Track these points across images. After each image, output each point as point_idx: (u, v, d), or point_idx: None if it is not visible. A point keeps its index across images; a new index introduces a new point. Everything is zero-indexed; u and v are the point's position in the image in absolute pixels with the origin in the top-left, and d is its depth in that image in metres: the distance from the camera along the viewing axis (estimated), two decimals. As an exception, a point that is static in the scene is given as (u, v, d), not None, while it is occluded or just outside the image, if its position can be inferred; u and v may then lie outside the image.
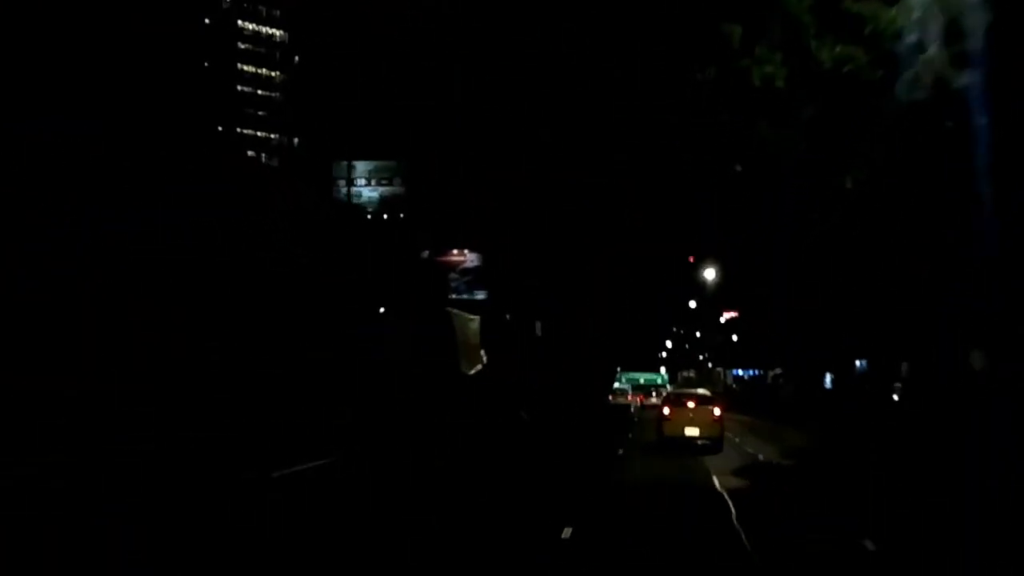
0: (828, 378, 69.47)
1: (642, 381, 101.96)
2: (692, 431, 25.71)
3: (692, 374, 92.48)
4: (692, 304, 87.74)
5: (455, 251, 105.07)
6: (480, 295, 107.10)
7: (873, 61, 18.78)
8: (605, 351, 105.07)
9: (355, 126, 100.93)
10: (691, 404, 26.73)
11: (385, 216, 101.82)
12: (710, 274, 67.28)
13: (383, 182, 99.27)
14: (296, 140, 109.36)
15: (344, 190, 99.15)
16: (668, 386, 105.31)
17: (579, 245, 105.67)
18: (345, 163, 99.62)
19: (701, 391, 30.76)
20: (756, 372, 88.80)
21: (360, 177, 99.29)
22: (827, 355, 65.62)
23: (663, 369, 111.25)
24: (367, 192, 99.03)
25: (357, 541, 12.25)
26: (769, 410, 49.08)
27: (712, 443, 25.57)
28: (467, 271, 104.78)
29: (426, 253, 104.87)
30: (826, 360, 66.93)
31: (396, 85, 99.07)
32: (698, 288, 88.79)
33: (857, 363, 62.74)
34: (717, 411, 26.08)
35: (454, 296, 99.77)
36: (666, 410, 27.01)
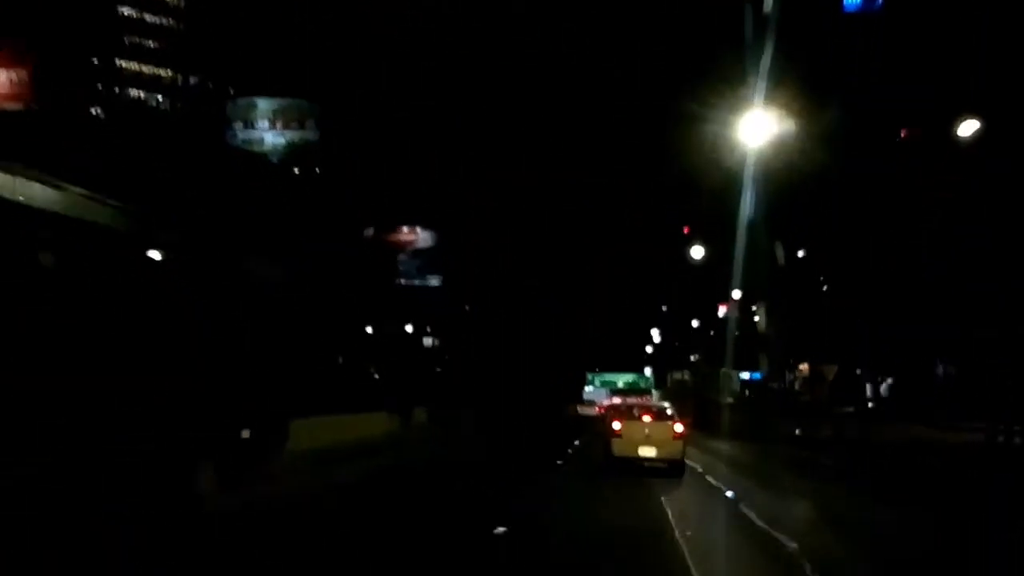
0: (885, 384, 48.21)
1: (620, 384, 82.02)
2: (648, 451, 21.36)
3: (686, 376, 71.59)
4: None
5: (404, 228, 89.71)
6: (434, 281, 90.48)
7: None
8: (571, 346, 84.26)
9: (258, 56, 79.12)
10: (647, 418, 22.25)
11: (296, 170, 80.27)
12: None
13: (291, 126, 77.36)
14: (194, 79, 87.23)
15: (241, 134, 77.26)
16: (655, 391, 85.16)
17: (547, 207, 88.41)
18: (243, 102, 77.78)
19: (660, 403, 27.69)
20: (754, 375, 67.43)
21: (262, 118, 77.35)
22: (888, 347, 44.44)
23: (648, 370, 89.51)
24: (270, 137, 77.14)
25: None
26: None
27: (671, 466, 21.19)
28: (419, 252, 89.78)
29: (370, 231, 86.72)
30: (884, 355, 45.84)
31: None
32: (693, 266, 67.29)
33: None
34: (679, 427, 21.72)
35: (403, 282, 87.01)
36: (616, 425, 22.03)
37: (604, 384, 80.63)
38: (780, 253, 45.59)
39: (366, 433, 30.41)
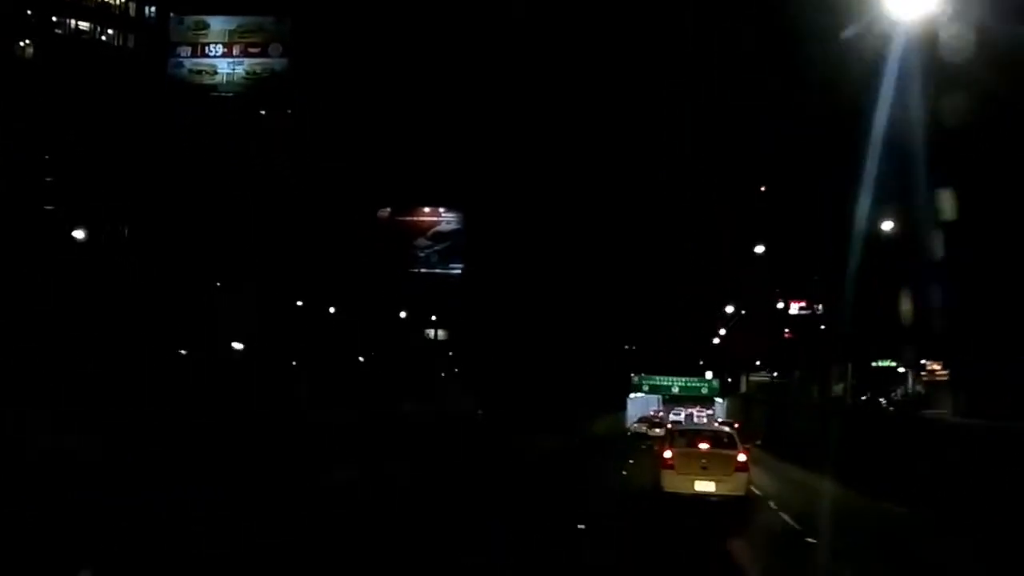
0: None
1: (676, 390, 64.31)
2: (706, 485, 18.08)
3: (768, 378, 53.28)
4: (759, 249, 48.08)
5: (426, 209, 77.73)
6: (457, 269, 77.97)
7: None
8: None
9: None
10: (704, 445, 19.32)
11: (263, 112, 63.29)
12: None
13: (251, 51, 60.35)
14: (153, 8, 70.65)
15: (188, 63, 60.47)
16: (720, 400, 67.42)
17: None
18: (190, 21, 61.07)
19: (718, 427, 24.50)
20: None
21: (215, 43, 60.44)
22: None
23: (709, 373, 70.98)
24: (225, 65, 60.18)
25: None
26: None
27: (734, 503, 17.76)
28: (441, 235, 77.40)
29: (386, 211, 76.21)
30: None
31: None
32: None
33: None
34: (742, 457, 18.69)
35: (423, 270, 75.81)
36: (667, 454, 18.89)
37: (654, 389, 63.28)
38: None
39: None
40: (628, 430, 57.14)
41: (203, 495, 14.30)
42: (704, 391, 63.39)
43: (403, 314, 65.95)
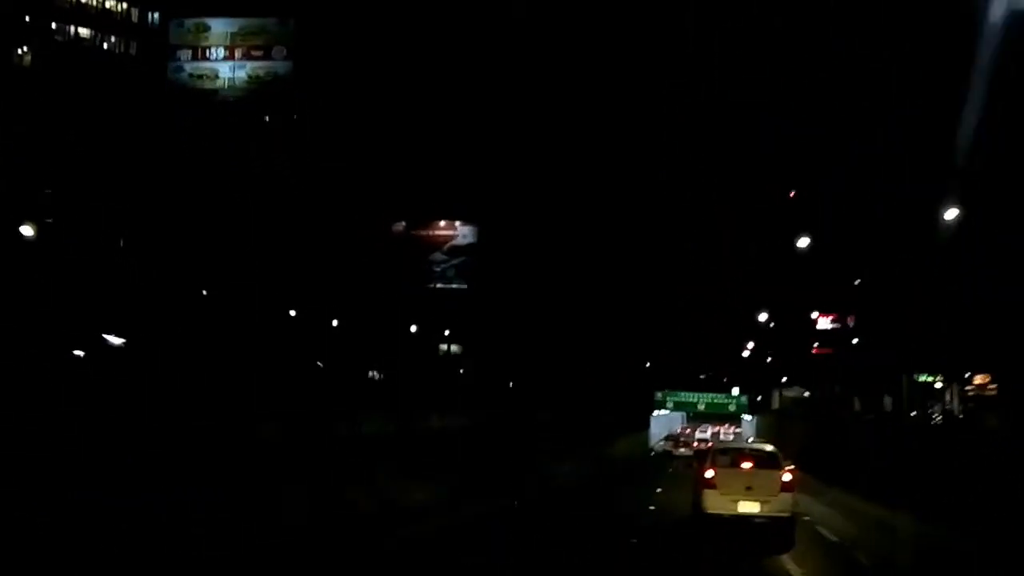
0: None
1: (702, 407, 61.24)
2: (750, 506, 17.48)
3: (802, 394, 49.85)
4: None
5: (442, 222, 75.45)
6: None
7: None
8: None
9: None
10: (747, 465, 18.76)
11: (267, 118, 60.84)
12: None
13: (253, 54, 57.88)
14: (156, 15, 68.51)
15: (188, 67, 58.06)
16: (748, 417, 64.23)
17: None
18: (191, 24, 58.67)
19: (761, 446, 23.52)
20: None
21: (217, 46, 58.05)
22: None
23: (736, 390, 67.65)
24: (226, 69, 57.73)
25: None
26: None
27: (780, 526, 16.85)
28: (457, 249, 75.00)
29: (401, 225, 73.70)
30: None
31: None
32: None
33: None
34: (787, 476, 17.88)
35: (439, 285, 73.61)
36: (709, 473, 18.43)
37: (679, 406, 60.19)
38: None
39: None
40: (652, 449, 54.49)
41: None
42: (731, 408, 60.28)
43: (413, 328, 63.10)
